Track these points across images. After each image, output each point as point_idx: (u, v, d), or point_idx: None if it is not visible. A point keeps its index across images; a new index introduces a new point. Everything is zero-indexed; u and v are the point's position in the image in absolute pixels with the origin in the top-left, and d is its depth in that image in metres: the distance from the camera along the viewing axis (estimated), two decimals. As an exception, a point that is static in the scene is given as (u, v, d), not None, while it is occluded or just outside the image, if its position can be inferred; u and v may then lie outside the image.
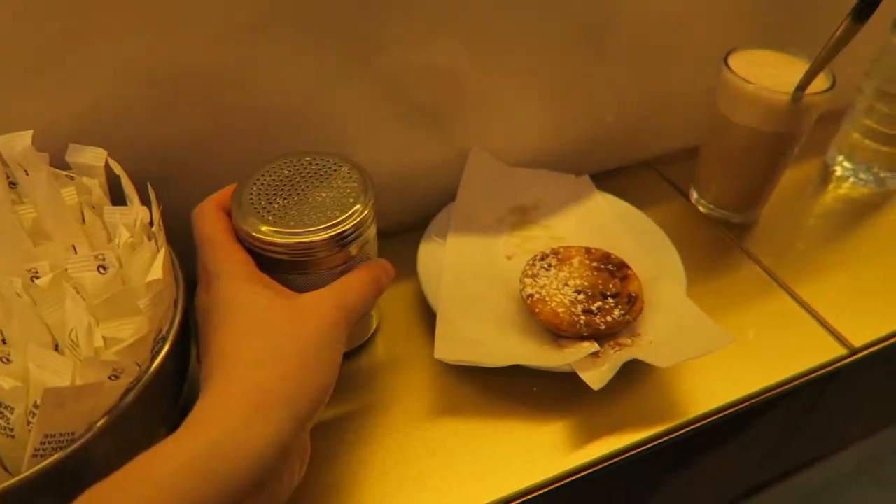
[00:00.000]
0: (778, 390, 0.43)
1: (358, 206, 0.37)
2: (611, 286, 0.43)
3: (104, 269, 0.30)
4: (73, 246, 0.33)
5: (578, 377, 0.39)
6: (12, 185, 0.34)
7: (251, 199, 0.36)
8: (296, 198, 0.37)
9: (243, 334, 0.30)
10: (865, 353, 0.45)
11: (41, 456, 0.26)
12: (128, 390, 0.28)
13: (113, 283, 0.29)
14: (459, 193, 0.50)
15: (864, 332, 0.46)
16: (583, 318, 0.41)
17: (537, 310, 0.42)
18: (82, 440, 0.27)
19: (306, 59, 0.42)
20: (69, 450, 0.26)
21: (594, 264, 0.44)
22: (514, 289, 0.45)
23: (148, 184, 0.35)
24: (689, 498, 0.60)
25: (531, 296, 0.42)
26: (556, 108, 0.54)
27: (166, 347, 0.30)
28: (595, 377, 0.38)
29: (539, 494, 0.37)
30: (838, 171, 0.61)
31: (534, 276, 0.44)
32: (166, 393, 0.32)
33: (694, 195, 0.57)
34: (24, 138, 0.33)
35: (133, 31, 0.37)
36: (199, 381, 0.30)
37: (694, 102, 0.57)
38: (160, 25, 0.37)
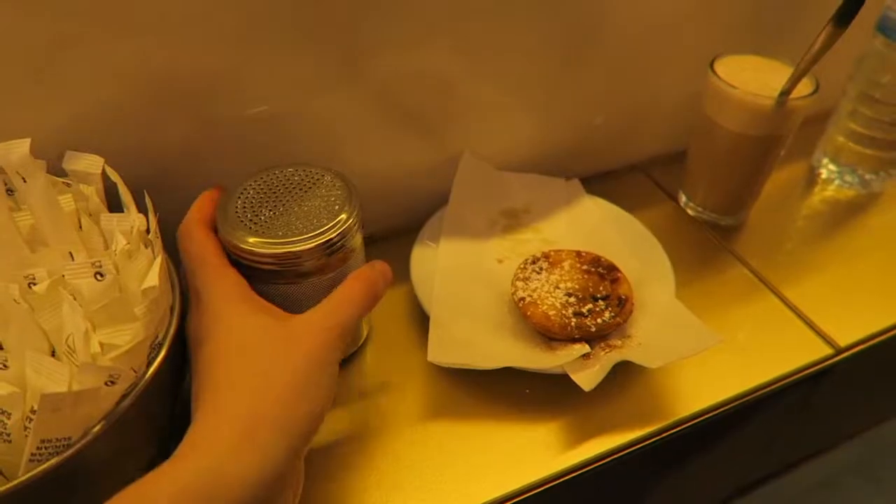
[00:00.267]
0: (766, 390, 0.43)
1: (343, 215, 0.37)
2: (601, 289, 0.43)
3: (101, 275, 0.30)
4: (70, 253, 0.33)
5: (570, 379, 0.39)
6: (10, 192, 0.35)
7: (237, 211, 0.37)
8: (281, 209, 0.37)
9: (234, 358, 0.30)
10: (851, 352, 0.46)
11: (38, 461, 0.26)
12: (124, 396, 0.29)
13: (110, 290, 0.30)
14: (451, 198, 0.51)
15: (849, 331, 0.47)
16: (574, 320, 0.41)
17: (529, 313, 0.42)
18: (78, 445, 0.27)
19: (297, 66, 0.43)
20: (65, 455, 0.27)
21: (584, 267, 0.45)
22: (506, 292, 0.45)
23: (145, 191, 0.36)
24: (680, 497, 0.60)
25: (522, 299, 0.43)
26: (546, 113, 0.54)
27: (162, 353, 0.31)
28: (586, 378, 0.39)
29: (532, 494, 0.38)
30: (824, 173, 0.62)
31: (525, 279, 0.44)
32: (162, 398, 0.33)
33: (682, 198, 0.58)
34: (21, 146, 0.33)
35: (127, 39, 0.37)
36: (191, 404, 0.30)
37: (682, 106, 0.58)
38: (154, 34, 0.37)
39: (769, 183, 0.54)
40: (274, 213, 0.37)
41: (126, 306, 0.30)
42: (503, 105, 0.52)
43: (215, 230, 0.37)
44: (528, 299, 0.43)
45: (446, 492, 0.37)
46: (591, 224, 0.51)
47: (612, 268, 0.45)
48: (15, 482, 0.25)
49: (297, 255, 0.36)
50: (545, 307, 0.42)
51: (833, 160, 0.61)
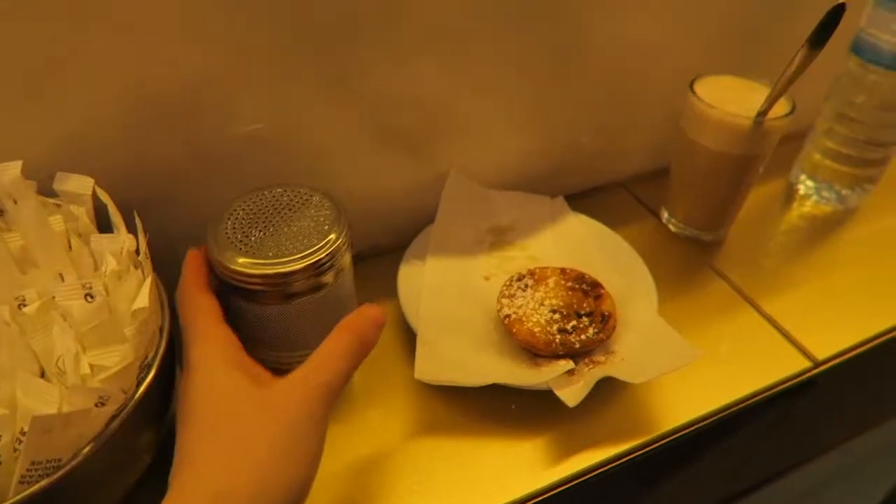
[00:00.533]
0: (746, 403, 0.44)
1: (332, 235, 0.38)
2: (585, 305, 0.44)
3: (91, 297, 0.30)
4: (61, 274, 0.33)
5: (555, 395, 0.40)
6: (0, 213, 0.35)
7: (227, 233, 0.38)
8: (271, 229, 0.38)
9: (208, 430, 0.29)
10: (829, 365, 0.47)
11: (28, 483, 0.27)
12: (113, 417, 0.29)
13: (100, 312, 0.30)
14: (438, 216, 0.52)
15: (827, 345, 0.48)
16: (558, 337, 0.42)
17: (514, 330, 0.43)
18: (68, 467, 0.27)
19: (286, 86, 0.43)
20: (55, 476, 0.27)
21: (569, 284, 0.46)
22: (493, 309, 0.46)
23: (135, 212, 0.36)
24: (666, 510, 0.61)
25: (508, 316, 0.44)
26: (531, 131, 0.55)
27: (151, 374, 0.31)
28: (571, 394, 0.39)
29: (519, 510, 0.38)
30: (802, 189, 0.63)
31: (511, 296, 0.45)
32: (151, 419, 0.33)
33: (664, 215, 0.59)
34: (13, 168, 0.34)
35: (118, 60, 0.38)
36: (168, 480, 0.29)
37: (663, 124, 0.60)
38: (146, 56, 0.38)
39: (749, 199, 0.55)
40: (264, 234, 0.38)
41: (116, 328, 0.30)
42: (489, 124, 0.53)
43: (211, 287, 0.37)
44: (513, 316, 0.44)
45: (433, 508, 0.38)
46: (576, 241, 0.52)
47: (595, 284, 0.46)
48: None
49: (286, 276, 0.37)
50: (530, 324, 0.43)
51: (810, 177, 0.62)
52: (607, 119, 0.58)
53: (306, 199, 0.41)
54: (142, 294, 0.32)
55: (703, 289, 0.53)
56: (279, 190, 0.41)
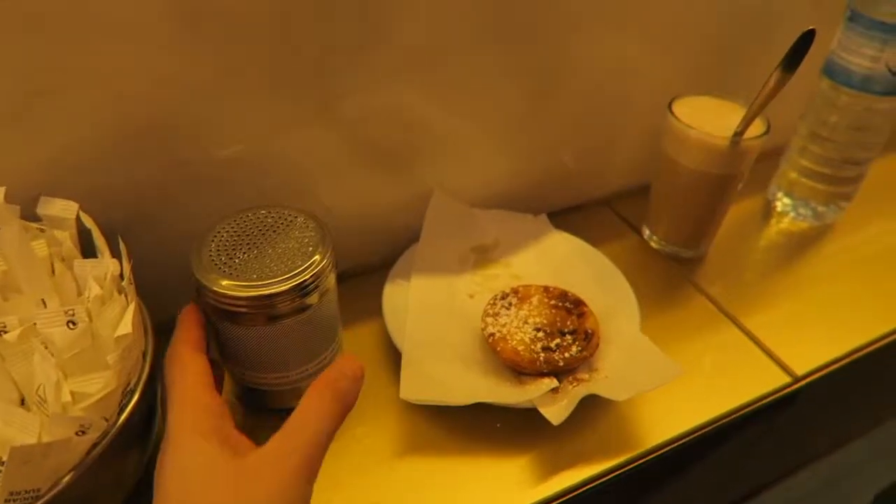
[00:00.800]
0: (728, 419, 0.45)
1: (317, 256, 0.38)
2: (568, 323, 0.45)
3: (73, 323, 0.30)
4: (43, 300, 0.33)
5: (540, 413, 0.40)
6: (-19, 239, 0.35)
7: (211, 255, 0.38)
8: (255, 251, 0.38)
9: None
10: (808, 380, 0.48)
11: (8, 513, 0.26)
12: (94, 445, 0.29)
13: (82, 338, 0.30)
14: (422, 235, 0.52)
15: (806, 359, 0.49)
16: (542, 355, 0.42)
17: (498, 348, 0.43)
18: (48, 496, 0.27)
19: (270, 108, 0.44)
20: (36, 506, 0.27)
21: (552, 302, 0.46)
22: (477, 327, 0.46)
23: (119, 237, 0.36)
24: (652, 525, 0.61)
25: (492, 335, 0.44)
26: (514, 150, 0.56)
27: (133, 401, 0.31)
28: (555, 413, 0.40)
29: (504, 530, 0.38)
30: (779, 206, 0.64)
31: (495, 314, 0.46)
32: (132, 447, 0.33)
33: (646, 232, 0.60)
34: (-5, 195, 0.34)
35: (100, 83, 0.38)
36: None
37: (644, 142, 0.61)
38: (126, 77, 0.38)
39: (728, 216, 0.56)
40: (248, 256, 0.38)
41: (98, 355, 0.30)
42: (472, 143, 0.54)
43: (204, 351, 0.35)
44: (497, 335, 0.44)
45: (419, 529, 0.38)
46: (559, 258, 0.53)
47: (578, 302, 0.46)
48: (-17, 535, 0.25)
49: (270, 298, 0.37)
50: (514, 342, 0.43)
51: (787, 194, 0.64)
52: (589, 138, 0.59)
53: (290, 221, 0.41)
54: (125, 320, 0.32)
55: (685, 304, 0.54)
56: (263, 211, 0.41)
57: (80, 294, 0.35)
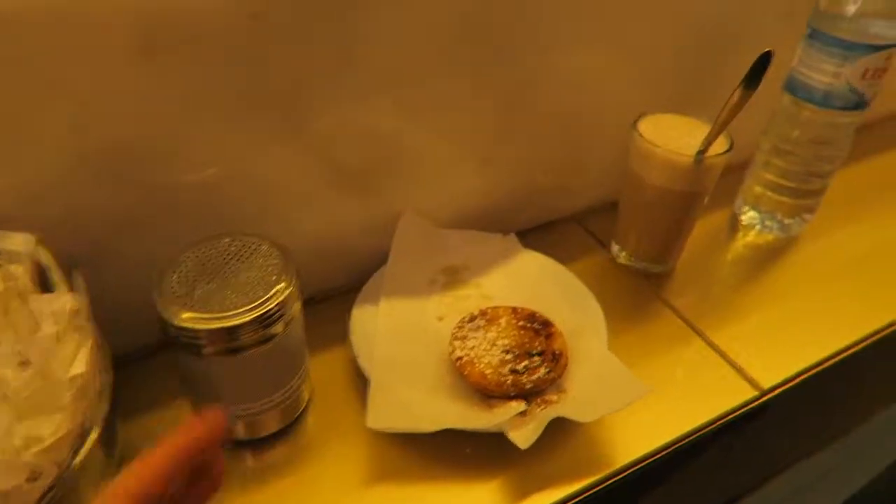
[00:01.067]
0: (696, 435, 0.45)
1: (281, 285, 0.38)
2: (537, 344, 0.45)
3: (26, 364, 0.30)
4: (-7, 340, 0.32)
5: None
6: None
7: (172, 287, 0.37)
8: (218, 281, 0.38)
9: None
10: (774, 393, 0.49)
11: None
12: (49, 489, 0.28)
13: (34, 380, 0.29)
14: (391, 257, 0.52)
15: (772, 372, 0.50)
16: (510, 378, 0.42)
17: (466, 372, 0.43)
18: (-1, 545, 0.26)
19: (236, 131, 0.43)
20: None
21: (521, 323, 0.46)
22: (446, 350, 0.46)
23: (76, 270, 0.35)
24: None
25: (460, 358, 0.44)
26: (484, 169, 0.56)
27: (88, 443, 0.30)
28: (522, 437, 0.40)
29: (474, 556, 0.38)
30: (745, 220, 0.65)
31: (463, 337, 0.45)
32: (87, 489, 0.32)
33: (614, 248, 0.60)
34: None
35: (63, 111, 0.37)
36: None
37: (613, 159, 0.61)
38: (88, 102, 0.38)
39: (695, 230, 0.57)
40: (210, 287, 0.38)
41: (52, 396, 0.29)
42: (442, 163, 0.54)
43: None
44: (465, 358, 0.44)
45: (388, 559, 0.37)
46: (528, 278, 0.53)
47: (546, 323, 0.46)
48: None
49: (232, 330, 0.36)
50: (482, 366, 0.43)
51: (752, 207, 0.64)
52: (558, 156, 0.59)
53: (254, 249, 0.41)
54: (80, 358, 0.31)
55: (653, 320, 0.54)
56: (227, 239, 0.41)
57: (36, 331, 0.34)
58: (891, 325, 0.55)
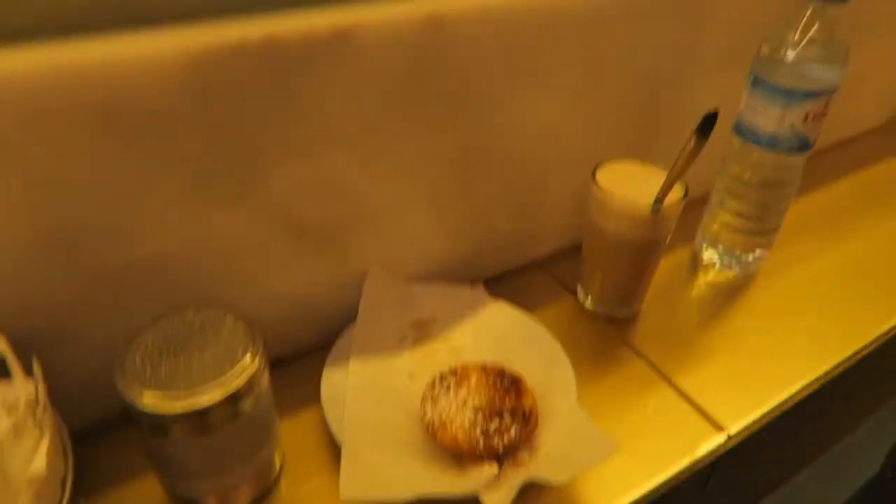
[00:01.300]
0: (666, 484, 0.46)
1: (247, 358, 0.37)
2: (507, 402, 0.45)
3: (-20, 467, 0.29)
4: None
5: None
6: None
7: (135, 366, 0.36)
8: (183, 357, 0.37)
9: None
10: (741, 437, 0.50)
11: None
12: None
13: (-10, 484, 0.28)
14: (359, 315, 0.52)
15: (738, 415, 0.50)
16: (482, 440, 0.42)
17: (438, 437, 0.43)
18: None
19: (192, 199, 0.43)
20: None
21: (491, 380, 0.47)
22: (417, 410, 0.46)
23: (34, 357, 0.35)
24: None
25: (432, 422, 0.44)
26: (447, 219, 0.57)
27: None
28: (497, 501, 0.40)
29: None
30: (705, 258, 0.67)
31: (434, 399, 0.45)
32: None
33: (580, 292, 0.61)
34: None
35: (13, 188, 0.36)
36: None
37: (574, 203, 0.63)
38: (40, 181, 0.37)
39: (659, 267, 0.58)
40: (175, 364, 0.37)
41: (9, 497, 0.29)
42: (404, 213, 0.54)
43: None
44: (437, 422, 0.44)
45: None
46: (497, 330, 0.54)
47: (516, 380, 0.47)
48: None
49: (200, 409, 0.36)
50: (454, 428, 0.43)
51: (711, 245, 0.66)
52: (519, 204, 0.60)
53: (219, 322, 0.40)
54: (39, 453, 0.30)
55: (621, 367, 0.55)
56: (190, 313, 0.41)
57: (-9, 425, 0.33)
58: (848, 358, 0.57)
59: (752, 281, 0.65)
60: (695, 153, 0.50)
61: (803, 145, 0.58)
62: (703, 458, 0.48)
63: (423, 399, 0.46)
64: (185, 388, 0.36)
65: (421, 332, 0.54)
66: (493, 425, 0.43)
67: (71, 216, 0.39)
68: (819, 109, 0.56)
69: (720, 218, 0.64)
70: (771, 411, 0.52)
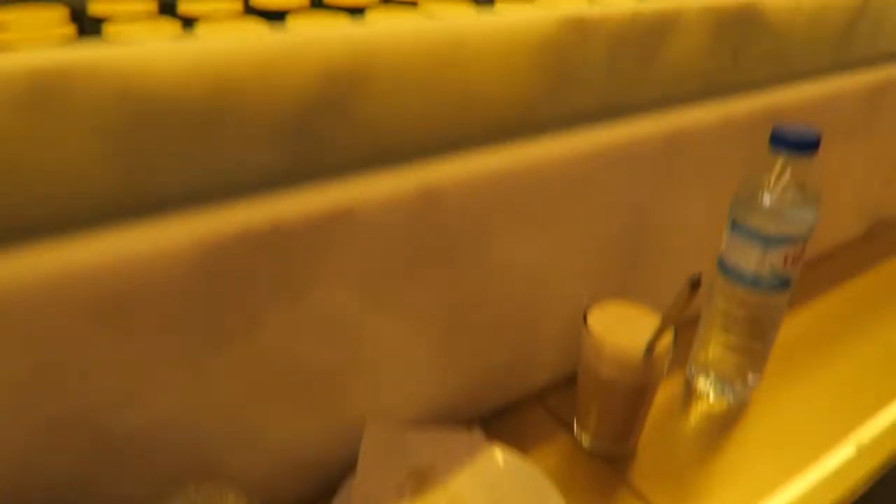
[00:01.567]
0: None
1: None
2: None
3: None
4: None
5: None
6: None
7: None
8: None
9: None
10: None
11: None
12: None
13: None
14: (358, 469, 0.52)
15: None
16: None
17: None
18: None
19: (191, 367, 0.44)
20: None
21: (490, 541, 0.47)
22: (417, 574, 0.46)
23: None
24: None
25: None
26: (444, 358, 0.58)
27: None
28: None
29: None
30: (698, 388, 0.68)
31: (433, 565, 0.45)
32: None
33: (576, 429, 0.62)
34: None
35: (23, 374, 0.38)
36: None
37: (567, 339, 0.64)
38: (50, 369, 0.38)
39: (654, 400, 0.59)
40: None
41: None
42: (402, 357, 0.55)
43: None
44: None
45: None
46: (494, 477, 0.54)
47: (515, 540, 0.47)
48: None
49: None
50: None
51: (703, 373, 0.67)
52: (513, 341, 0.62)
53: (220, 500, 0.41)
54: None
55: (621, 512, 0.55)
56: (191, 491, 0.41)
57: None
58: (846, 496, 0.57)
59: (747, 409, 0.66)
60: (688, 302, 0.52)
61: (785, 284, 0.60)
62: None
63: (423, 567, 0.46)
64: (184, 579, 0.36)
65: (420, 480, 0.54)
66: None
67: (75, 396, 0.40)
68: (798, 252, 0.59)
69: (710, 348, 0.66)
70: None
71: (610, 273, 0.65)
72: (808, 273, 0.88)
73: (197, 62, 0.39)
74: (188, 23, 0.62)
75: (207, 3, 0.70)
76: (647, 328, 0.55)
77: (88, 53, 0.37)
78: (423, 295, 0.53)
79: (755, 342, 0.64)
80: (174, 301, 0.41)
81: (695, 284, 0.50)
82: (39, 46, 0.36)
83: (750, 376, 0.66)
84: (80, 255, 0.37)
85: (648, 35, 0.60)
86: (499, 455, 0.56)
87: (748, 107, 0.68)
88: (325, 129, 0.45)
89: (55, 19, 0.62)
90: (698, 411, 0.66)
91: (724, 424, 0.64)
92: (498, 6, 0.61)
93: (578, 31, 0.55)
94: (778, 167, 0.58)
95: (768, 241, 0.58)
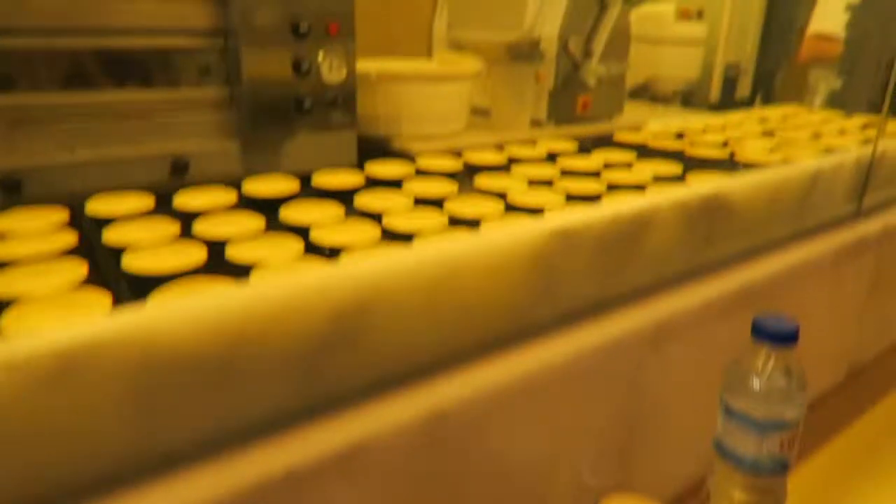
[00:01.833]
0: None
1: None
2: None
3: None
4: None
5: None
6: None
7: None
8: None
9: None
10: None
11: None
12: None
13: None
14: None
15: None
16: None
17: None
18: None
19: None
20: None
21: None
22: None
23: None
24: None
25: None
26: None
27: None
28: None
29: None
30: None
31: None
32: None
33: None
34: None
35: None
36: None
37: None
38: None
39: None
40: None
41: None
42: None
43: None
44: None
45: None
46: None
47: None
48: None
49: None
50: None
51: (714, 560, 0.66)
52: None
53: None
54: None
55: None
56: None
57: None
58: None
59: None
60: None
61: (783, 467, 0.61)
62: None
63: None
64: None
65: None
66: None
67: None
68: (793, 437, 0.60)
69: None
70: None
71: (608, 459, 0.65)
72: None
73: (216, 320, 0.41)
74: (185, 217, 0.65)
75: (202, 197, 0.74)
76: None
77: (111, 325, 0.38)
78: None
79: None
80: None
81: None
82: (62, 321, 0.38)
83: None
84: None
85: (628, 233, 0.64)
86: None
87: (725, 286, 0.72)
88: (333, 365, 0.47)
89: (54, 224, 0.65)
90: None
91: None
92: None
93: (566, 239, 0.59)
94: (762, 356, 0.60)
95: (763, 428, 0.59)
